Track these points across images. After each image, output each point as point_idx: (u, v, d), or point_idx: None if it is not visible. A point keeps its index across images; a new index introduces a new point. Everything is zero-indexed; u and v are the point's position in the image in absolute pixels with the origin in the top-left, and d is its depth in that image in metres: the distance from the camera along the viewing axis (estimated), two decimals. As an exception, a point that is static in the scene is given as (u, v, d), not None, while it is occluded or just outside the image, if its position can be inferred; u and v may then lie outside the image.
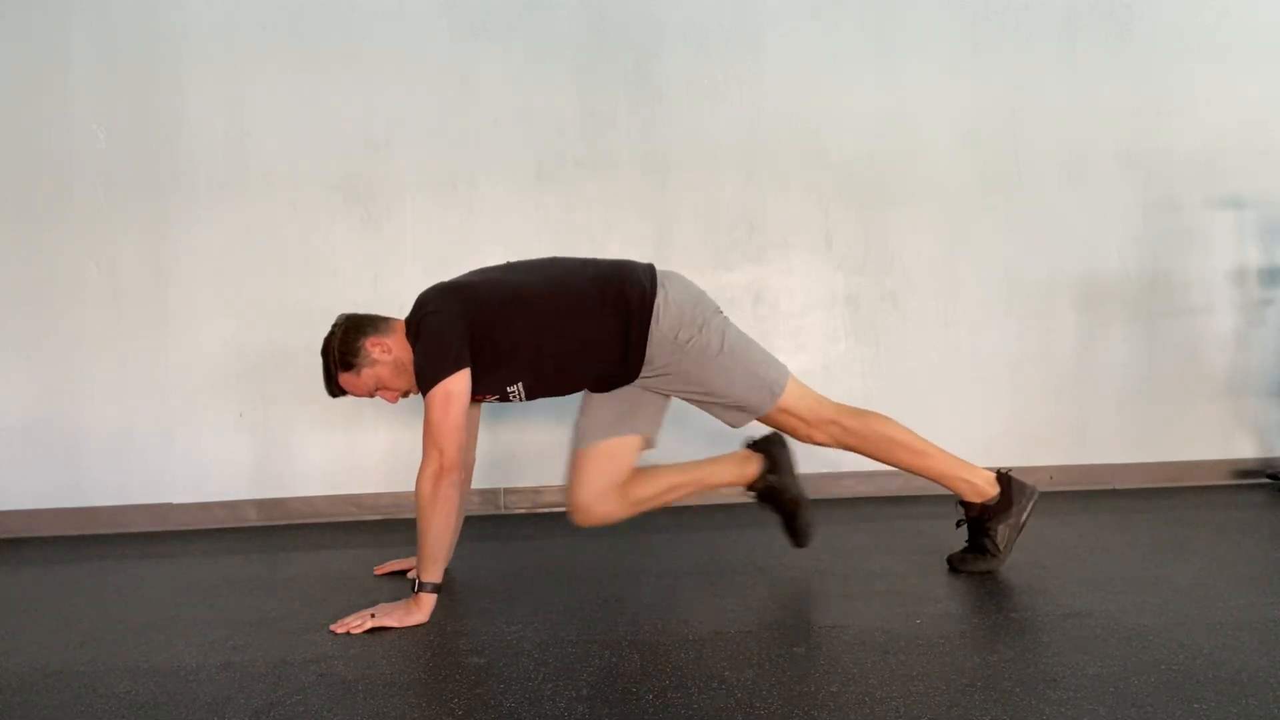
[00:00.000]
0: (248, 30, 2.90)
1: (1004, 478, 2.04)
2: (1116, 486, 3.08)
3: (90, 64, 2.87)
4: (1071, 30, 3.09)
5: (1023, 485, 2.03)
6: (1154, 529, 2.43)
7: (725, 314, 2.06)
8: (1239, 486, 3.05)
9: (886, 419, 2.06)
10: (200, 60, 2.89)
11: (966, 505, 2.05)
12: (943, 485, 2.06)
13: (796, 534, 2.13)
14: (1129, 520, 2.56)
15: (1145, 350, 3.11)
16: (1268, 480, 3.06)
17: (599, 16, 2.98)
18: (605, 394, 2.03)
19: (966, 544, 2.08)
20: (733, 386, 1.97)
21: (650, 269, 2.01)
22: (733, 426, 2.10)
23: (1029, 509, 2.02)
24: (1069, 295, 3.09)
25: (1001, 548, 2.01)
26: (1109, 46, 3.10)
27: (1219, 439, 3.13)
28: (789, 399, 2.01)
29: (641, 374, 1.99)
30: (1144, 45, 3.11)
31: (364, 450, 2.93)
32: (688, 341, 1.93)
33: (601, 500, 1.99)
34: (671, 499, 2.08)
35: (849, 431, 2.03)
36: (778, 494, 2.11)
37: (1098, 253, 3.09)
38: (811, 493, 2.99)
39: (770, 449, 2.13)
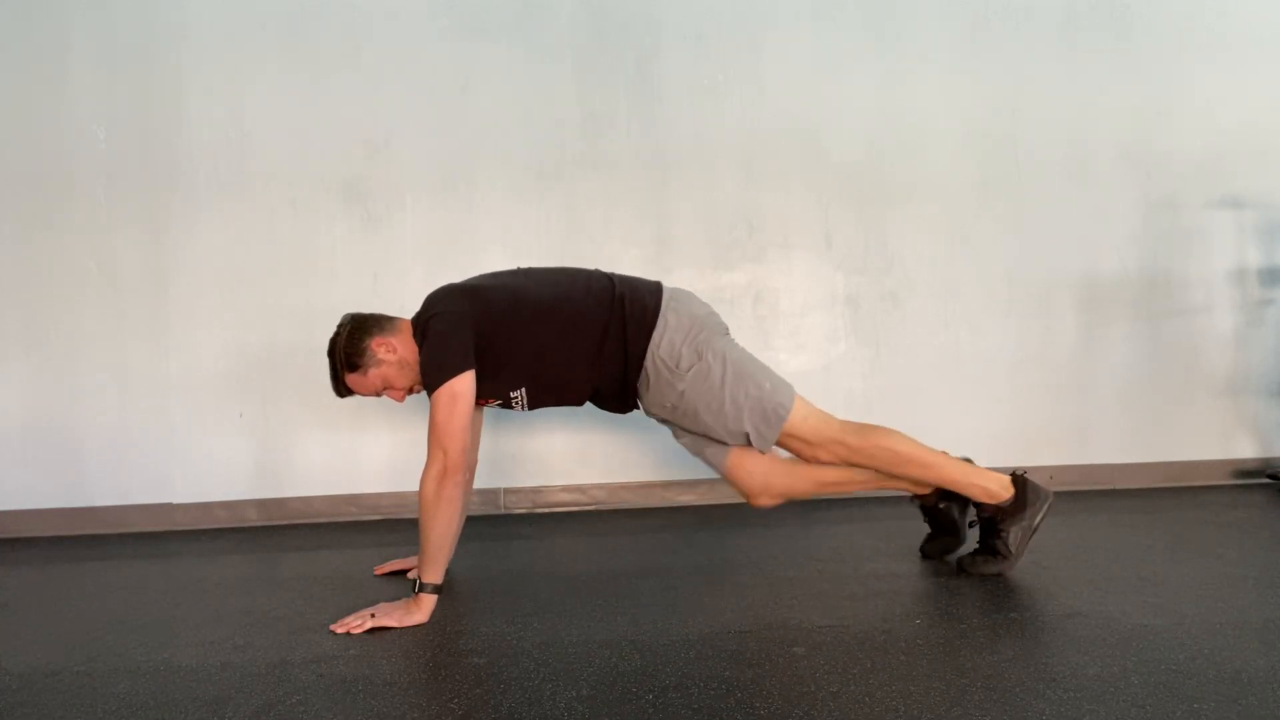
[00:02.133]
0: (248, 30, 2.90)
1: (1019, 480, 2.02)
2: (1116, 486, 3.08)
3: (90, 64, 2.87)
4: (1071, 30, 3.09)
5: (1038, 488, 2.01)
6: (1154, 529, 2.43)
7: (729, 335, 2.05)
8: (1239, 486, 3.04)
9: (891, 432, 2.02)
10: (200, 60, 2.89)
11: (979, 506, 2.04)
12: (958, 492, 2.05)
13: (933, 551, 2.16)
14: (1129, 520, 2.56)
15: (1145, 350, 3.11)
16: (1268, 480, 3.06)
17: (599, 16, 2.98)
18: None
19: (978, 545, 2.07)
20: (740, 412, 1.95)
21: (657, 290, 2.00)
22: (717, 470, 2.08)
23: (1043, 512, 2.00)
24: (1069, 295, 3.09)
25: (1013, 549, 1.99)
26: (1109, 46, 3.10)
27: (1219, 439, 3.13)
28: (793, 420, 1.99)
29: (646, 401, 2.01)
30: (1144, 45, 3.10)
31: (364, 450, 2.93)
32: (689, 370, 1.93)
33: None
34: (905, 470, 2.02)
35: (853, 450, 2.00)
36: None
37: (1098, 253, 3.09)
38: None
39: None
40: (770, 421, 1.97)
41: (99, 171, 2.87)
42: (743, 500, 2.97)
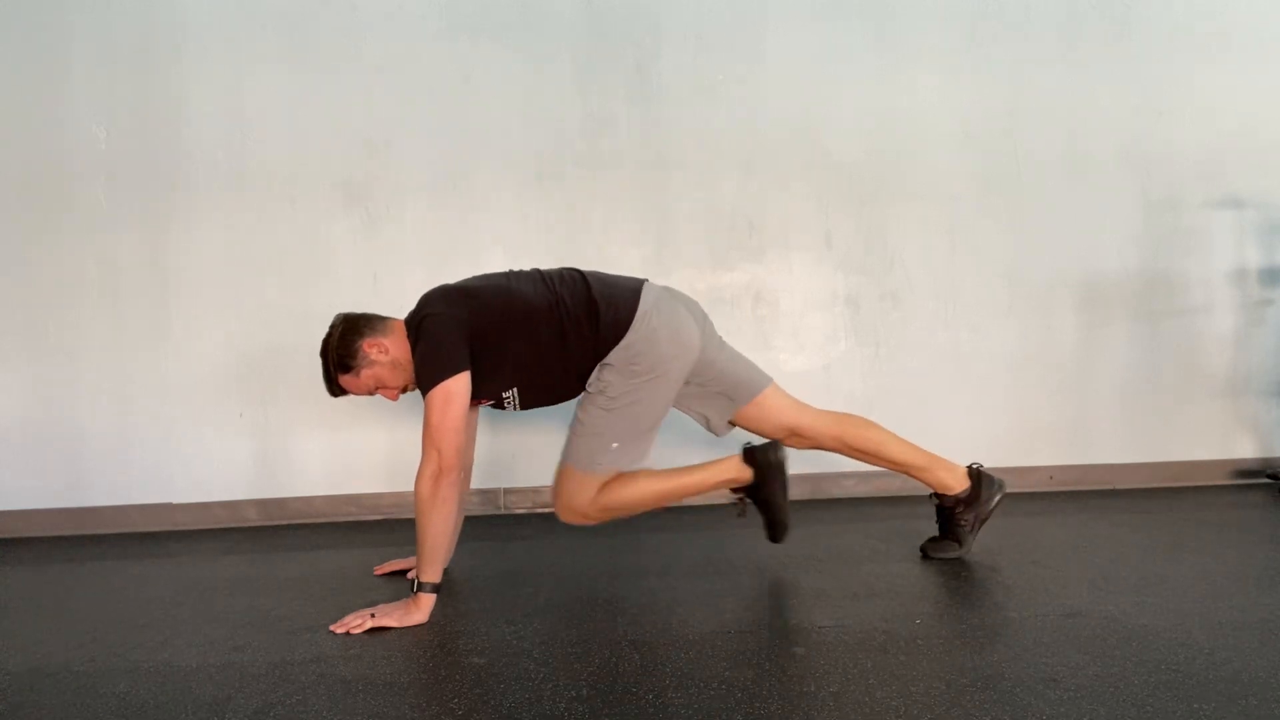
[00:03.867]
0: (248, 30, 2.90)
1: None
2: (1116, 486, 3.08)
3: (90, 63, 2.87)
4: (1071, 29, 3.09)
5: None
6: (1154, 529, 2.43)
7: (676, 379, 2.00)
8: (1239, 486, 3.04)
9: (631, 481, 2.03)
10: (201, 60, 2.89)
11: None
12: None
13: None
14: (1129, 520, 2.56)
15: (1145, 350, 3.11)
16: (1268, 480, 3.06)
17: (599, 16, 2.98)
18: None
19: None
20: (582, 436, 1.98)
21: (634, 299, 1.97)
22: (716, 432, 2.21)
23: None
24: (1069, 295, 3.09)
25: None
26: (1109, 46, 3.10)
27: (1219, 439, 3.13)
28: (590, 479, 1.99)
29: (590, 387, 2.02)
30: (1144, 45, 3.11)
31: (364, 450, 2.93)
32: (600, 392, 1.96)
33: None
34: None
35: (605, 510, 2.01)
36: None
37: (1098, 253, 3.09)
38: (810, 493, 3.01)
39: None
40: (582, 463, 1.99)
41: (99, 171, 2.87)
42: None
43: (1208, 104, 3.12)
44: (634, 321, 1.93)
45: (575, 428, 2.01)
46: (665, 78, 2.99)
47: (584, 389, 2.02)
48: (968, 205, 3.06)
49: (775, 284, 3.02)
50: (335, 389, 1.98)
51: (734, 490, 2.13)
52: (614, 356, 1.94)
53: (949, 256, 3.06)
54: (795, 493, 2.98)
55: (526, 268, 2.11)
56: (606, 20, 2.98)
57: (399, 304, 2.86)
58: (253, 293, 2.89)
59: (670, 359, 1.97)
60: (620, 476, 2.02)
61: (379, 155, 2.93)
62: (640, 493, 2.02)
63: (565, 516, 2.03)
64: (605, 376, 1.95)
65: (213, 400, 2.89)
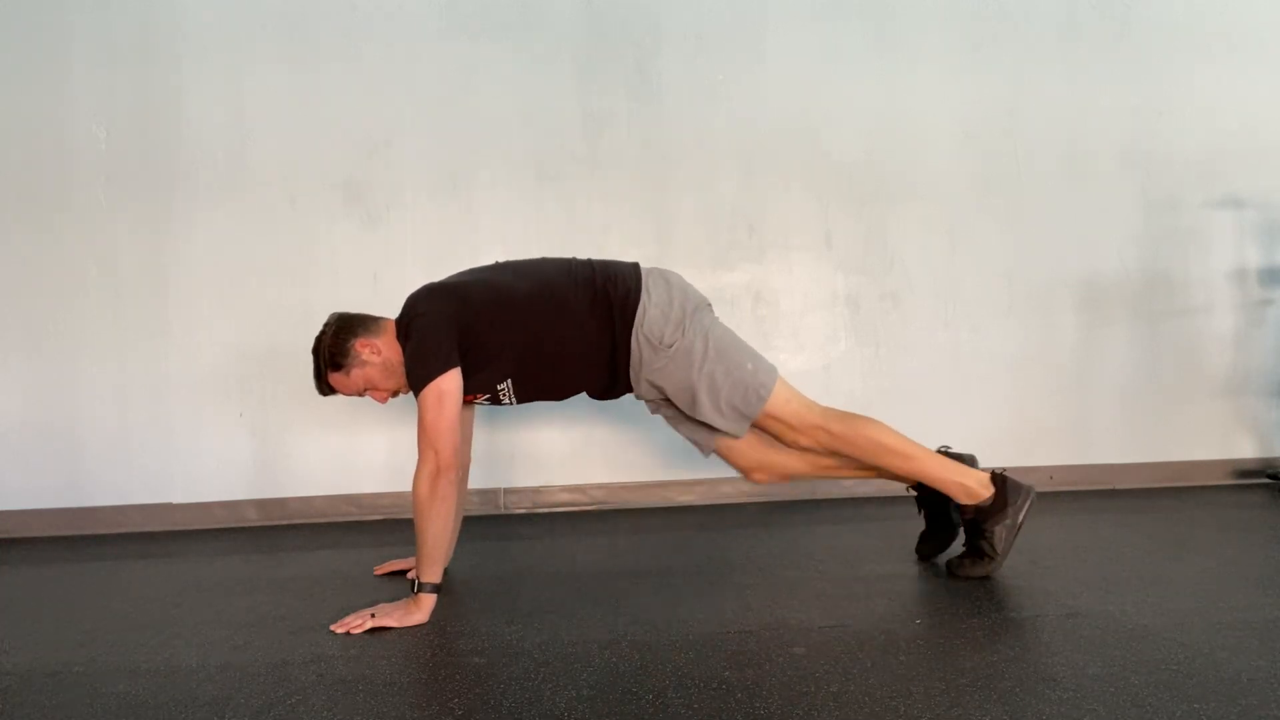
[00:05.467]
0: (248, 30, 2.90)
1: (998, 478, 2.00)
2: (1116, 486, 3.08)
3: (90, 63, 2.87)
4: (1071, 30, 3.09)
5: (1018, 485, 2.00)
6: (1154, 529, 2.43)
7: (713, 312, 2.07)
8: (1239, 486, 3.04)
9: (874, 422, 2.03)
10: (201, 60, 2.89)
11: (961, 508, 2.03)
12: (935, 488, 2.05)
13: (929, 548, 2.15)
14: (1129, 520, 2.56)
15: (1145, 350, 3.11)
16: (1268, 480, 3.06)
17: (599, 16, 2.98)
18: None
19: (964, 548, 2.06)
20: (718, 391, 1.97)
21: (635, 270, 2.01)
22: (703, 450, 2.12)
23: (1025, 509, 1.98)
24: (1069, 295, 3.09)
25: (999, 549, 1.98)
26: (1109, 46, 3.10)
27: (1219, 439, 3.13)
28: (775, 403, 2.00)
29: (638, 388, 2.01)
30: (1144, 45, 3.10)
31: (364, 450, 2.93)
32: (671, 346, 1.93)
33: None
34: (875, 458, 2.03)
35: (835, 437, 2.01)
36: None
37: (1098, 253, 3.09)
38: (810, 493, 3.01)
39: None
40: (750, 402, 1.98)
41: (99, 171, 2.87)
42: (743, 500, 2.99)
43: (1208, 104, 3.12)
44: (642, 287, 1.95)
45: (698, 390, 1.96)
46: (665, 78, 2.99)
47: (604, 375, 2.00)
48: (968, 205, 3.06)
49: (775, 284, 3.02)
50: (324, 387, 1.98)
51: (960, 506, 2.04)
52: (648, 330, 1.92)
53: (949, 256, 3.06)
54: (794, 492, 3.00)
55: (519, 258, 2.11)
56: (606, 20, 2.98)
57: (399, 304, 2.86)
58: (253, 293, 2.89)
59: (688, 290, 2.01)
60: (860, 417, 2.03)
61: (379, 155, 2.93)
62: (887, 438, 2.01)
63: (804, 440, 2.02)
64: (667, 343, 1.93)
65: (213, 400, 2.89)
